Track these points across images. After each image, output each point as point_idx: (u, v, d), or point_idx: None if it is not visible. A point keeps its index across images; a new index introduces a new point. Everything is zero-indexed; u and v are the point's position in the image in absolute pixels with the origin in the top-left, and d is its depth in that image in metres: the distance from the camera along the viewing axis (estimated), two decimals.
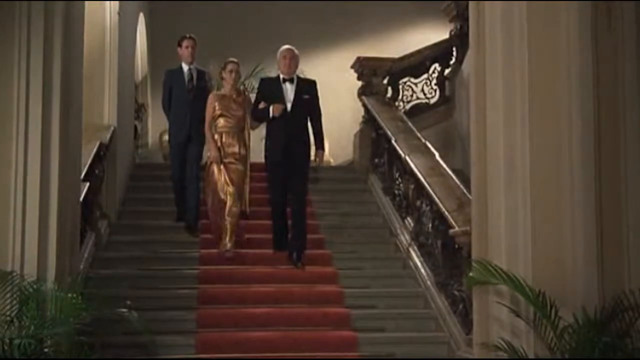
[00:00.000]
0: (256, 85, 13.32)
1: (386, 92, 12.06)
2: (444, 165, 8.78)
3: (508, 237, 5.90)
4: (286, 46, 8.91)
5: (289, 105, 8.63)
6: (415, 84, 12.34)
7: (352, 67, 12.05)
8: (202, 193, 9.33)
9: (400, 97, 12.20)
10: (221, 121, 8.81)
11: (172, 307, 7.74)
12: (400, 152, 9.48)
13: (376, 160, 10.88)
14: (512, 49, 5.95)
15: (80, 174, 7.19)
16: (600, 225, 5.76)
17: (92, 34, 8.72)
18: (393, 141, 9.87)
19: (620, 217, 5.78)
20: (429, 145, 9.50)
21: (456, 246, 7.41)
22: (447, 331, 7.57)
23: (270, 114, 8.61)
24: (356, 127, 12.02)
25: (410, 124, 10.52)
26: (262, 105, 8.77)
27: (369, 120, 11.43)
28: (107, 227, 9.16)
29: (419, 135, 9.99)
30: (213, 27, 13.68)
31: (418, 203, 8.78)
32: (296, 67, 8.88)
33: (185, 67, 9.81)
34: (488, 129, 6.24)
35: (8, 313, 5.04)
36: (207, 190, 8.93)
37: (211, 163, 8.73)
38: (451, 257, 7.64)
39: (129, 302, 6.48)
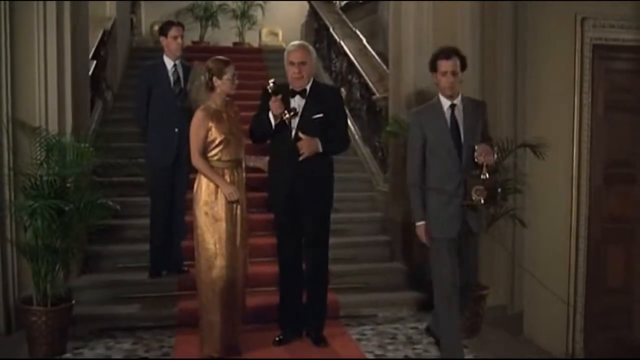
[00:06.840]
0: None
1: None
2: (370, 48, 8.82)
3: (417, 99, 6.08)
4: (295, 44, 4.98)
5: (293, 131, 4.81)
6: None
7: None
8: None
9: None
10: (224, 152, 4.58)
11: None
12: (336, 37, 9.46)
13: (317, 44, 10.81)
14: None
15: (89, 54, 7.10)
16: (482, 90, 5.94)
17: None
18: (331, 29, 9.84)
19: (496, 82, 5.98)
20: (359, 33, 9.50)
21: (377, 109, 7.53)
22: (369, 172, 7.77)
23: (272, 122, 4.76)
24: (303, 19, 11.94)
25: (344, 16, 10.50)
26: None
27: (313, 13, 11.35)
28: (111, 96, 9.08)
29: (351, 25, 9.97)
30: None
31: (349, 77, 8.83)
32: (310, 74, 4.88)
33: (169, 63, 5.88)
34: (402, 24, 6.36)
35: (38, 157, 5.11)
36: (199, 250, 4.60)
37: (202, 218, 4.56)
38: (373, 117, 7.76)
39: None
